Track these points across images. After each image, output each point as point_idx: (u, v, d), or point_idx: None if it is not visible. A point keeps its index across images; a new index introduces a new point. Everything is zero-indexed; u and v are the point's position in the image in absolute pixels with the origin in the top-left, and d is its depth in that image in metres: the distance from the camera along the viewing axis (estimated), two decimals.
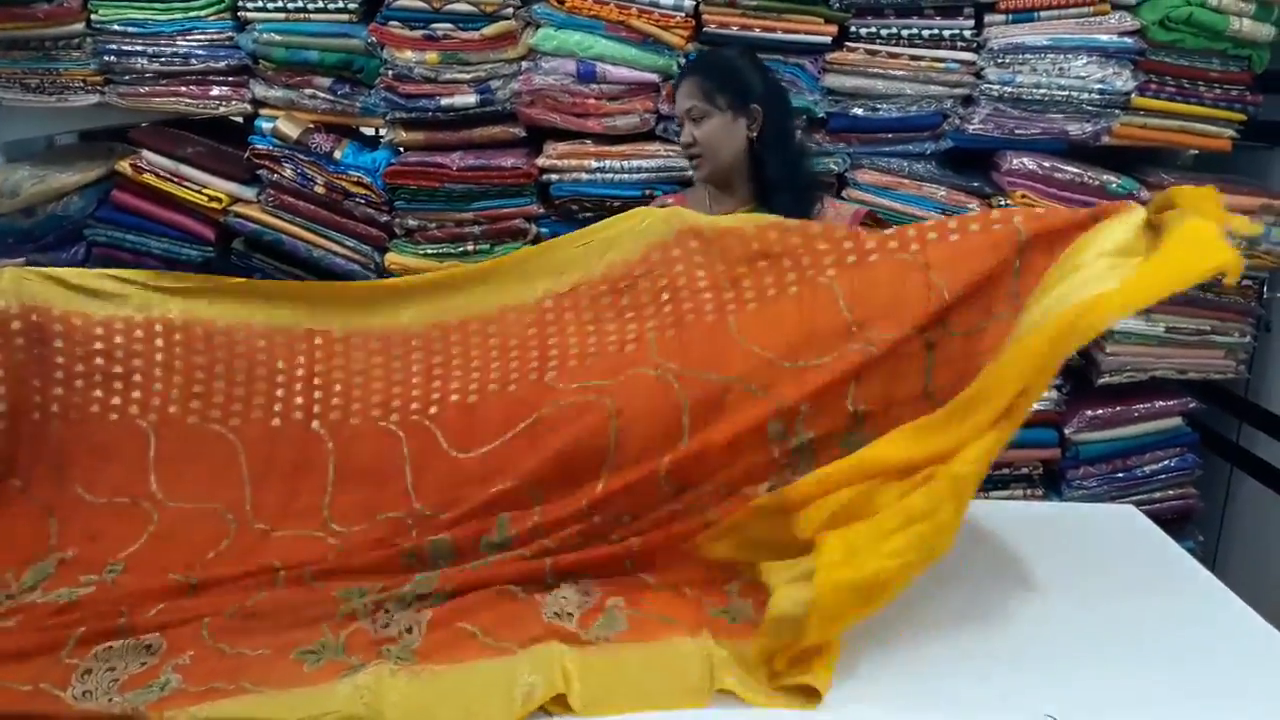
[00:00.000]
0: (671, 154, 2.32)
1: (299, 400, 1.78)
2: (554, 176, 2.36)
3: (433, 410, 1.75)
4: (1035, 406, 2.49)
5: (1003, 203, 2.36)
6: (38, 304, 1.76)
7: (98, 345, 1.78)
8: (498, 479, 1.58)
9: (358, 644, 1.32)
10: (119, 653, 1.31)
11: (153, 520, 1.61)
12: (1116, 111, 2.33)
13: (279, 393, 1.79)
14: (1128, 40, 2.28)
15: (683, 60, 2.29)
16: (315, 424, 1.75)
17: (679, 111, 1.99)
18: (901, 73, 2.30)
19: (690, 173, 2.25)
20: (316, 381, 1.80)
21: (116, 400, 1.76)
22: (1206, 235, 1.25)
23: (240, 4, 2.29)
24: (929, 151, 2.39)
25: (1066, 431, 2.54)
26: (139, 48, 2.31)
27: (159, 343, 1.80)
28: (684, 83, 2.00)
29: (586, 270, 1.79)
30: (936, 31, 2.29)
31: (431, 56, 2.26)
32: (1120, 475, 2.58)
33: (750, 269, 1.67)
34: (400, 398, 1.77)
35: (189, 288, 1.83)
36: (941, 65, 2.30)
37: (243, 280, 1.86)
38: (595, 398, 1.59)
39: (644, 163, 2.35)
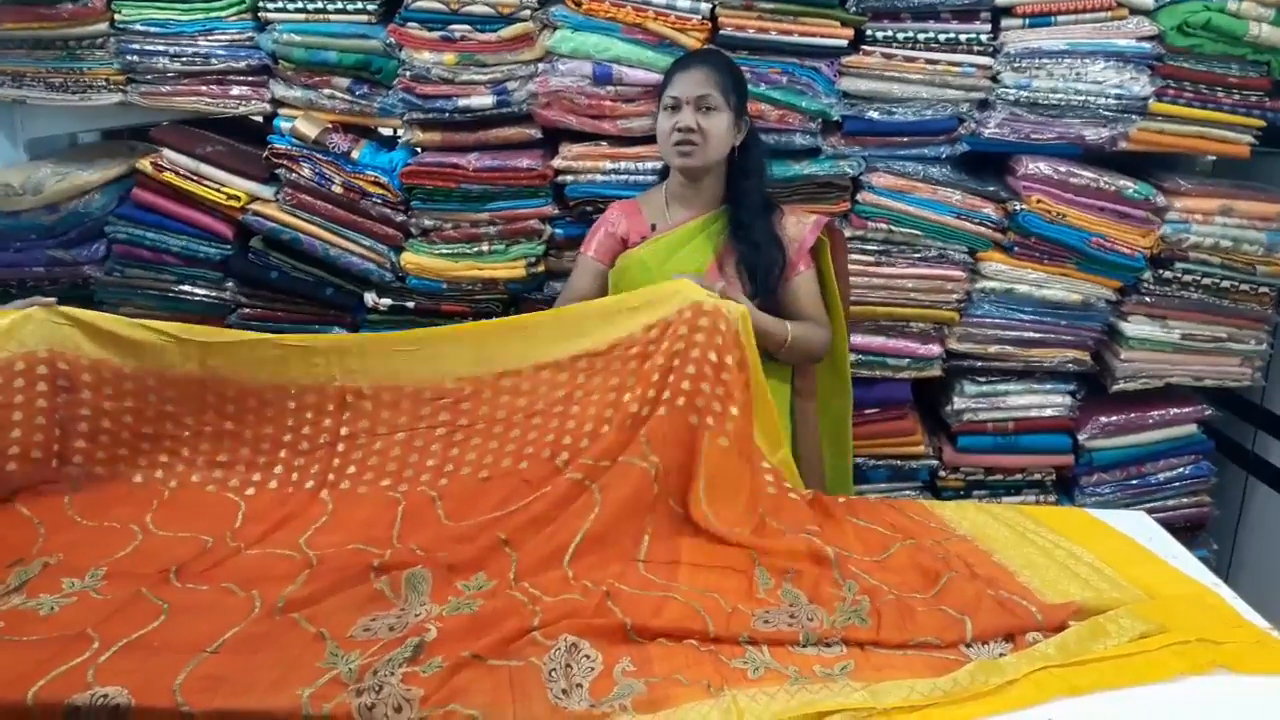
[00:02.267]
0: None
1: (315, 469, 1.81)
2: (569, 178, 2.37)
3: (443, 482, 1.77)
4: (1048, 412, 2.52)
5: (1018, 207, 2.35)
6: (66, 350, 1.76)
7: (128, 402, 1.78)
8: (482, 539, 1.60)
9: None
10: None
11: (137, 539, 1.63)
12: (1134, 117, 2.32)
13: (299, 461, 1.82)
14: (1145, 45, 2.27)
15: None
16: (324, 493, 1.77)
17: (685, 95, 1.98)
18: (917, 76, 2.30)
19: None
20: (340, 449, 1.82)
21: (142, 462, 1.79)
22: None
23: (260, 5, 2.31)
24: (944, 155, 2.38)
25: (1080, 438, 2.53)
26: (161, 47, 2.33)
27: (191, 403, 1.81)
28: (695, 70, 2.00)
29: (627, 330, 1.80)
30: (953, 35, 2.28)
31: (449, 58, 2.27)
32: (1134, 482, 2.57)
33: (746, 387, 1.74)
34: (415, 466, 1.80)
35: (224, 343, 1.83)
36: (958, 69, 2.29)
37: (280, 337, 1.87)
38: (586, 481, 1.66)
39: (658, 164, 2.35)
